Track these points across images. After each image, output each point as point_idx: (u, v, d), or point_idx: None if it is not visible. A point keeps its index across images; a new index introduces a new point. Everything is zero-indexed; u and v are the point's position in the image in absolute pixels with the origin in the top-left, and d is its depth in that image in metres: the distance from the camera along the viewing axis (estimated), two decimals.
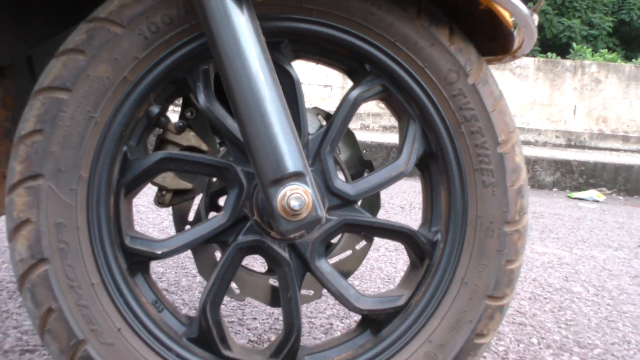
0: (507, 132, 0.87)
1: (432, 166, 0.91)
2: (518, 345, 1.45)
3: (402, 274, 2.02)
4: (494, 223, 0.86)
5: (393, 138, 5.63)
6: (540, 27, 19.09)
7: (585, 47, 13.55)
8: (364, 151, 5.14)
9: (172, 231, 2.45)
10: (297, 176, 0.71)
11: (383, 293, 0.92)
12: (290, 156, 0.71)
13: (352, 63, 0.89)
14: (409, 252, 0.94)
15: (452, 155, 0.87)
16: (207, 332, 0.83)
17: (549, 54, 13.51)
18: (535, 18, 0.89)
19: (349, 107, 0.86)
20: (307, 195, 0.71)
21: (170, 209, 2.18)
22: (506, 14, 0.83)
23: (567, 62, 7.40)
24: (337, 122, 0.86)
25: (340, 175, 1.04)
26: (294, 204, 0.70)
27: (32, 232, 0.77)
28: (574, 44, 14.44)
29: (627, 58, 15.09)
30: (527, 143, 7.12)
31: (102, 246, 0.81)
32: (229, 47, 0.70)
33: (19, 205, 0.77)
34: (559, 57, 12.80)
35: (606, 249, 2.72)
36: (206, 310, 0.82)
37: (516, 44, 0.91)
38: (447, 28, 0.86)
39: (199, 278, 1.84)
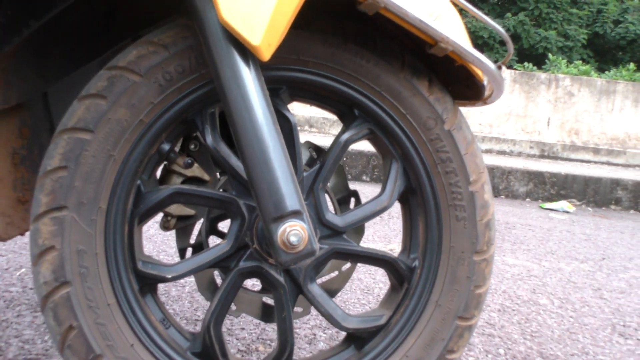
0: (477, 172, 0.98)
1: (411, 200, 1.02)
2: (486, 355, 1.57)
3: (381, 284, 2.14)
4: (465, 253, 0.98)
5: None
6: (518, 38, 19.51)
7: (560, 58, 13.90)
8: (344, 159, 5.26)
9: (158, 239, 2.53)
10: (296, 214, 0.82)
11: (366, 313, 1.03)
12: (289, 197, 0.81)
13: (343, 107, 1.00)
14: (389, 276, 1.05)
15: (429, 192, 0.99)
16: (210, 347, 0.93)
17: (525, 63, 13.83)
18: (504, 71, 1.01)
19: (339, 149, 0.97)
20: (304, 231, 0.81)
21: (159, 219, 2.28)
22: (478, 70, 0.95)
23: (542, 75, 7.63)
24: (329, 162, 0.97)
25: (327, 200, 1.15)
26: (293, 239, 0.80)
27: (56, 258, 0.86)
28: (550, 55, 14.81)
29: (600, 70, 15.52)
30: (502, 153, 7.33)
31: (118, 270, 0.90)
32: (237, 101, 0.80)
33: (45, 234, 0.86)
34: (535, 67, 13.12)
35: (572, 261, 2.88)
36: (210, 328, 0.92)
37: (487, 93, 1.03)
38: (427, 80, 0.97)
39: (187, 288, 1.93)
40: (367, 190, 4.59)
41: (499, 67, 0.99)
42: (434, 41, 0.88)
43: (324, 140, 6.03)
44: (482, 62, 0.91)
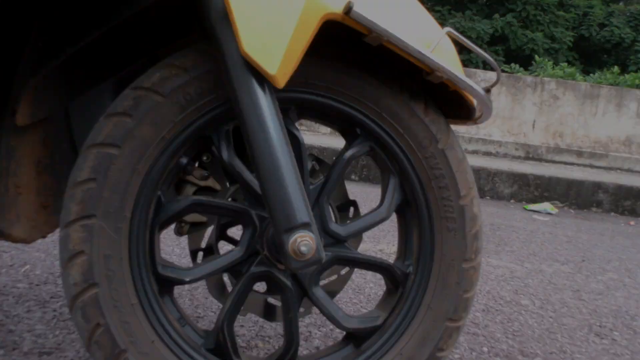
0: (467, 187, 1.08)
1: (407, 212, 1.12)
2: (471, 353, 1.68)
3: (371, 284, 2.24)
4: (455, 260, 1.08)
5: None
6: (505, 39, 19.72)
7: (546, 60, 14.10)
8: (334, 158, 5.35)
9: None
10: (305, 226, 0.91)
11: (365, 314, 1.13)
12: (300, 210, 0.90)
13: (346, 126, 1.09)
14: (386, 281, 1.15)
15: (423, 205, 1.08)
16: (223, 344, 1.02)
17: (512, 65, 14.01)
18: (491, 95, 1.11)
19: (343, 165, 1.06)
20: (313, 241, 0.91)
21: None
22: (470, 95, 1.05)
23: (529, 78, 7.78)
24: (333, 177, 1.06)
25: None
26: (303, 249, 0.90)
27: (85, 262, 0.94)
28: (537, 57, 15.01)
29: (585, 72, 15.76)
30: (488, 154, 7.47)
31: (140, 273, 0.99)
32: (254, 124, 0.89)
33: (75, 239, 0.94)
34: (521, 69, 13.29)
35: (554, 263, 3.00)
36: (224, 327, 1.02)
37: (477, 114, 1.13)
38: (423, 103, 1.07)
39: (187, 286, 2.01)
40: (355, 190, 4.69)
41: (488, 91, 1.09)
42: (431, 70, 0.98)
43: (314, 139, 6.12)
44: (473, 89, 1.01)
